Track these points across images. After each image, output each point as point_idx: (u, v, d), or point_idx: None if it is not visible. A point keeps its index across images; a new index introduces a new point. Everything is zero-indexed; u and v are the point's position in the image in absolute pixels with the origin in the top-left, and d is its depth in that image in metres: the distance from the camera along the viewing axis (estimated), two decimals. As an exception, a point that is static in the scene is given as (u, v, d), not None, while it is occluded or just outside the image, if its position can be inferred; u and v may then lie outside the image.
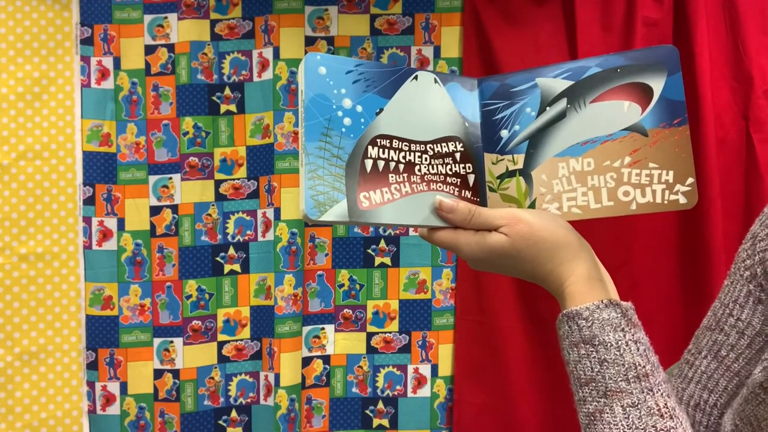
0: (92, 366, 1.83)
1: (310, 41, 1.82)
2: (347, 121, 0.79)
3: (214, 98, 1.83)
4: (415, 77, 0.83)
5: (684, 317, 1.88)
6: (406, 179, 0.81)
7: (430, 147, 0.83)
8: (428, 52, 1.85)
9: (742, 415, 0.78)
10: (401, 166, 0.81)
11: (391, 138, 0.81)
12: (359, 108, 0.79)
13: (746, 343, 0.81)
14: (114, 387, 1.84)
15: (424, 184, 0.82)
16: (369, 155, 0.79)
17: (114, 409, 1.84)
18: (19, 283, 1.80)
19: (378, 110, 0.81)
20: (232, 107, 1.84)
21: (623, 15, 1.80)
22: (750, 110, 1.81)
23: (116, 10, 1.78)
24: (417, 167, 0.82)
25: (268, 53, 1.82)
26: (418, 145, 0.82)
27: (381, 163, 0.80)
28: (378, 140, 0.80)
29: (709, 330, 0.85)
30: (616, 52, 0.84)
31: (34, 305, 1.81)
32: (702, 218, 1.79)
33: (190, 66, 1.80)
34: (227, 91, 1.83)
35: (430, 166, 0.83)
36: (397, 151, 0.81)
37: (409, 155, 0.82)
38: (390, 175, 0.80)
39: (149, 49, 1.80)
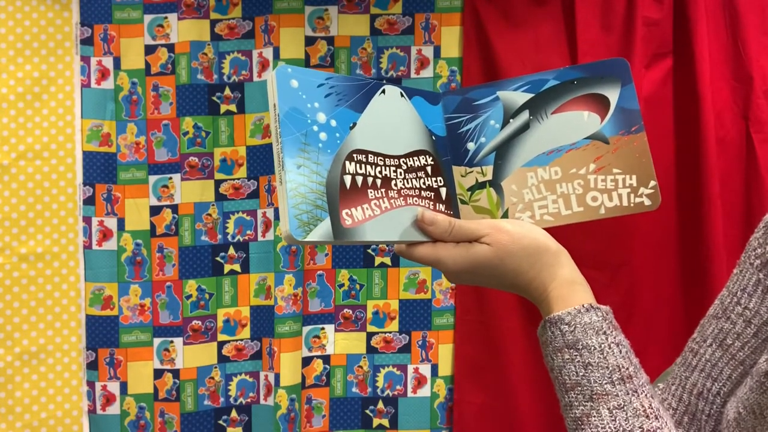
0: (92, 366, 1.83)
1: (310, 41, 1.82)
2: (323, 135, 0.77)
3: (214, 98, 1.83)
4: (383, 91, 0.83)
5: (684, 317, 1.88)
6: (384, 194, 0.80)
7: (403, 161, 0.83)
8: (428, 52, 1.85)
9: (746, 404, 0.79)
10: (378, 182, 0.80)
11: (366, 153, 0.80)
12: (333, 122, 0.78)
13: (753, 332, 0.81)
14: (114, 387, 1.84)
15: (401, 198, 0.81)
16: (347, 171, 0.77)
17: (114, 409, 1.84)
18: (19, 283, 1.80)
19: (351, 124, 0.79)
20: (232, 107, 1.84)
21: (623, 15, 1.80)
22: (750, 110, 1.81)
23: (116, 10, 1.78)
24: (393, 182, 0.81)
25: (268, 53, 1.82)
26: (392, 160, 0.82)
27: (359, 179, 0.78)
28: (354, 155, 0.79)
29: (715, 318, 0.86)
30: (572, 65, 0.90)
31: (34, 305, 1.81)
32: (702, 218, 1.79)
33: (190, 66, 1.80)
34: (227, 91, 1.83)
35: (405, 181, 0.82)
36: (374, 166, 0.80)
37: (385, 170, 0.81)
38: (369, 190, 0.79)
39: (149, 49, 1.80)
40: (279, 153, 0.74)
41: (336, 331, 1.90)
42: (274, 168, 1.82)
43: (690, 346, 0.89)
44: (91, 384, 1.84)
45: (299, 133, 0.75)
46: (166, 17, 1.80)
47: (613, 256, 1.83)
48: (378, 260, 1.89)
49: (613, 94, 0.86)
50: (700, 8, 1.77)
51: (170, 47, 1.80)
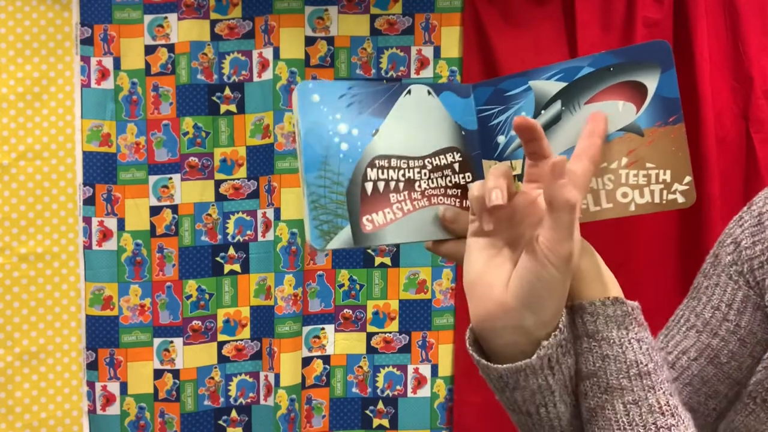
0: (92, 366, 1.83)
1: (310, 41, 1.82)
2: (344, 146, 0.78)
3: (214, 98, 1.83)
4: (409, 92, 0.83)
5: (684, 317, 1.88)
6: (407, 197, 0.81)
7: (428, 161, 0.83)
8: (428, 52, 1.85)
9: (732, 426, 0.78)
10: (401, 185, 0.81)
11: (388, 158, 0.81)
12: (355, 131, 0.79)
13: (749, 351, 0.81)
14: (114, 387, 1.84)
15: (425, 199, 0.82)
16: (368, 178, 0.79)
17: (114, 409, 1.84)
18: (19, 283, 1.80)
19: (374, 131, 0.80)
20: (232, 107, 1.84)
21: (623, 15, 1.80)
22: (750, 110, 1.81)
23: (116, 10, 1.78)
24: (417, 183, 0.82)
25: (268, 53, 1.82)
26: (416, 161, 0.82)
27: (381, 184, 0.79)
28: (376, 161, 0.80)
29: (697, 332, 0.85)
30: (608, 50, 0.82)
31: (34, 305, 1.81)
32: (702, 218, 1.79)
33: (190, 66, 1.80)
34: (227, 91, 1.83)
35: (430, 181, 0.83)
36: (396, 170, 0.81)
37: (408, 172, 0.82)
38: (391, 194, 0.80)
39: (149, 49, 1.80)
40: (301, 167, 0.77)
41: (336, 331, 1.90)
42: (273, 168, 1.82)
43: (663, 356, 0.89)
44: (91, 384, 1.84)
45: (320, 147, 0.77)
46: (166, 17, 1.80)
47: (614, 255, 1.83)
48: (378, 260, 1.89)
49: (651, 82, 0.80)
50: (700, 8, 1.77)
51: (170, 47, 1.80)
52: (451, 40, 1.85)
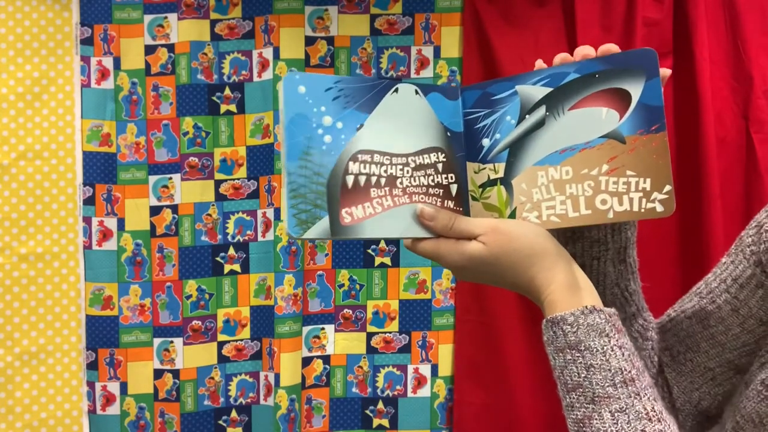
0: (92, 366, 1.83)
1: (310, 41, 1.82)
2: (328, 138, 0.79)
3: (214, 98, 1.83)
4: (396, 90, 0.84)
5: (684, 317, 1.88)
6: (387, 193, 0.82)
7: (411, 159, 0.84)
8: (428, 52, 1.85)
9: (743, 413, 0.79)
10: (383, 180, 0.82)
11: (372, 153, 0.82)
12: (339, 124, 0.80)
13: (739, 321, 0.82)
14: (114, 387, 1.84)
15: (406, 196, 0.83)
16: (350, 171, 0.80)
17: (114, 409, 1.84)
18: (19, 283, 1.80)
19: (359, 126, 0.81)
20: (232, 107, 1.84)
21: (623, 15, 1.80)
22: (750, 110, 1.81)
23: (116, 10, 1.78)
24: (399, 180, 0.83)
25: (268, 53, 1.82)
26: (399, 158, 0.83)
27: (362, 179, 0.80)
28: (359, 155, 0.81)
29: (699, 297, 0.88)
30: (595, 57, 0.83)
31: (34, 305, 1.81)
32: (702, 218, 1.79)
33: (190, 66, 1.80)
34: (227, 91, 1.83)
35: (412, 179, 0.83)
36: (379, 166, 0.82)
37: (391, 169, 0.82)
38: (372, 189, 0.81)
39: (149, 49, 1.80)
40: (283, 156, 0.78)
41: (336, 331, 1.90)
42: (273, 168, 1.82)
43: (665, 321, 0.92)
44: (91, 384, 1.84)
45: (303, 137, 0.78)
46: (166, 17, 1.80)
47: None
48: (378, 260, 1.89)
49: (635, 89, 0.81)
50: (700, 8, 1.77)
51: (170, 47, 1.80)
52: (451, 40, 1.85)
